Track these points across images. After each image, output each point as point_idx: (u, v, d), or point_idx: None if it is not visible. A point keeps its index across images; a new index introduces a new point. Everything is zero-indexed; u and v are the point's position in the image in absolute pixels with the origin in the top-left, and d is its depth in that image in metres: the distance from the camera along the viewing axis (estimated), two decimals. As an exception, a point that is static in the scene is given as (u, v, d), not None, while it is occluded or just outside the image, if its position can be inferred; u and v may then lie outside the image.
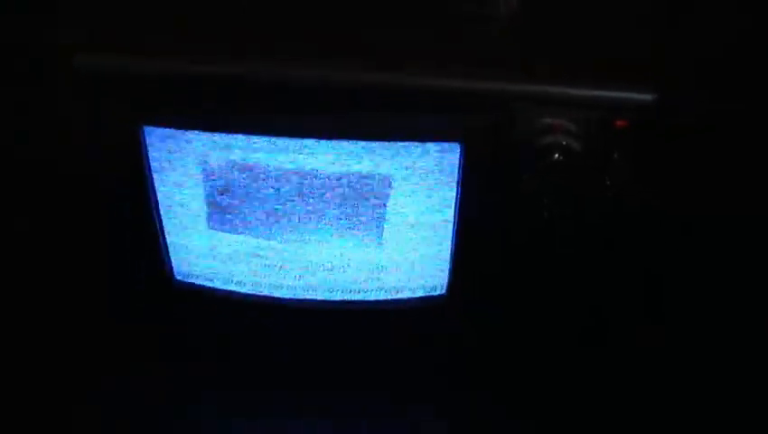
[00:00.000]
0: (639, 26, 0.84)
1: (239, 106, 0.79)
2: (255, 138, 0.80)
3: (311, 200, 0.84)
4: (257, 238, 0.88)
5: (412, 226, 0.86)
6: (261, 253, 0.89)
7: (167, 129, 0.81)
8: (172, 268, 0.91)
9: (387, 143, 0.79)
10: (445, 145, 0.79)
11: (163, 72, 0.78)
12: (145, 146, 0.82)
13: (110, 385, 0.93)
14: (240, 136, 0.80)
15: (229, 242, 0.88)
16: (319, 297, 0.91)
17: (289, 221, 0.86)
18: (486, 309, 0.94)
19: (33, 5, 0.90)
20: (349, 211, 0.85)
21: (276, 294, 0.91)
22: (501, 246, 0.86)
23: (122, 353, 0.96)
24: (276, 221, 0.86)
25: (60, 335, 0.97)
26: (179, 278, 0.92)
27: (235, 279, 0.91)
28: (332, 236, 0.87)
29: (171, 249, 0.90)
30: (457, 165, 0.80)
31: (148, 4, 0.84)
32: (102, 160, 0.85)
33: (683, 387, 0.92)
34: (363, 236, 0.86)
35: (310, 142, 0.79)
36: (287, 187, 0.83)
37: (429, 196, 0.83)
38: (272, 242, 0.88)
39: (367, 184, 0.83)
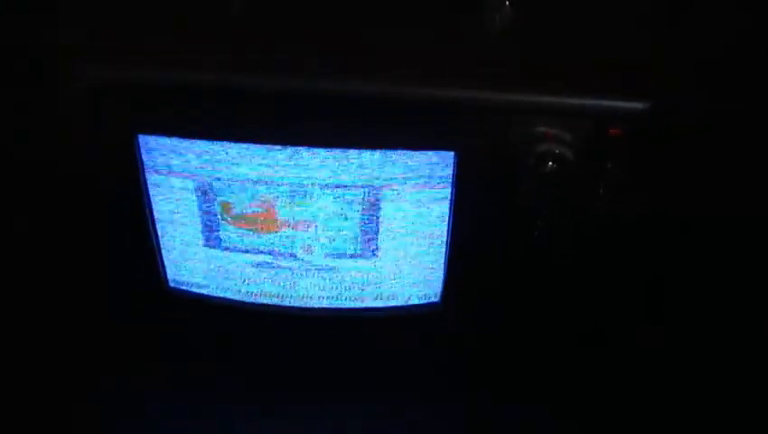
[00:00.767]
0: (639, 27, 0.84)
1: (234, 115, 0.79)
2: (248, 147, 0.80)
3: (304, 209, 0.84)
4: (250, 247, 0.88)
5: (406, 234, 0.86)
6: (254, 262, 0.89)
7: (161, 138, 0.80)
8: (166, 275, 0.91)
9: (381, 151, 0.79)
10: (440, 153, 0.79)
11: (159, 81, 0.78)
12: (140, 155, 0.82)
13: (110, 385, 0.93)
14: (234, 145, 0.80)
15: (222, 252, 0.88)
16: (313, 305, 0.91)
17: (283, 231, 0.86)
18: (480, 317, 0.94)
19: (33, 5, 0.90)
20: (343, 219, 0.84)
21: (272, 301, 0.91)
22: (495, 254, 0.86)
23: (122, 354, 0.96)
24: (269, 232, 0.86)
25: (60, 336, 0.97)
26: (173, 285, 0.92)
27: (229, 288, 0.91)
28: (326, 245, 0.87)
29: (165, 256, 0.90)
30: (451, 174, 0.80)
31: (148, 5, 0.84)
32: (99, 166, 0.84)
33: (683, 387, 0.92)
34: (358, 245, 0.86)
35: (304, 151, 0.79)
36: (280, 196, 0.83)
37: (423, 205, 0.83)
38: (266, 251, 0.88)
39: (361, 193, 0.82)
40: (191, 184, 0.83)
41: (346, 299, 0.91)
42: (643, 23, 0.85)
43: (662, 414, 0.91)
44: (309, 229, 0.85)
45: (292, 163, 0.80)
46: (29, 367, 0.94)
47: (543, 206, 0.82)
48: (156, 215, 0.86)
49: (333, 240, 0.86)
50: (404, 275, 0.89)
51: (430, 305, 0.91)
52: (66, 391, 0.92)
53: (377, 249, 0.87)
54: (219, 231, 0.86)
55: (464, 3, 0.81)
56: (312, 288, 0.90)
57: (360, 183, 0.82)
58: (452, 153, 0.79)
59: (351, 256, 0.87)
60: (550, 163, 0.77)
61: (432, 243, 0.86)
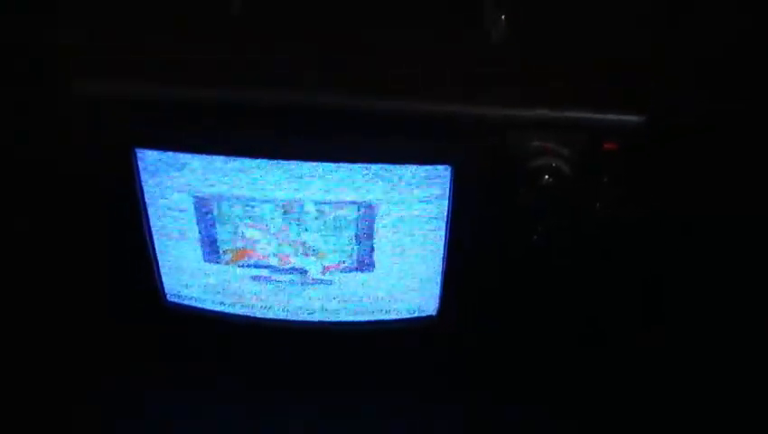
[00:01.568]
0: (636, 34, 0.84)
1: (230, 129, 0.79)
2: (244, 162, 0.80)
3: (301, 223, 0.84)
4: (247, 261, 0.88)
5: (402, 249, 0.86)
6: (253, 276, 0.89)
7: (158, 152, 0.80)
8: (164, 288, 0.91)
9: (378, 166, 0.79)
10: (436, 168, 0.80)
11: (157, 96, 0.78)
12: (137, 168, 0.82)
13: (110, 385, 0.93)
14: (231, 159, 0.80)
15: (220, 267, 0.88)
16: (310, 319, 0.91)
17: (279, 245, 0.86)
18: (476, 329, 0.94)
19: (33, 5, 0.90)
20: (339, 233, 0.84)
21: (270, 315, 0.92)
22: (491, 267, 0.87)
23: (122, 354, 0.96)
24: (266, 247, 0.86)
25: (61, 336, 0.97)
26: (171, 298, 0.92)
27: (227, 302, 0.91)
28: (321, 258, 0.87)
29: (162, 270, 0.90)
30: (448, 188, 0.80)
31: (148, 5, 0.84)
32: (98, 178, 0.84)
33: (683, 387, 0.92)
34: (354, 260, 0.86)
35: (300, 165, 0.79)
36: (276, 211, 0.83)
37: (420, 219, 0.83)
38: (263, 265, 0.88)
39: (357, 207, 0.82)
40: (187, 199, 0.83)
41: (344, 313, 0.91)
42: (642, 26, 0.85)
43: (662, 414, 0.91)
44: (306, 242, 0.85)
45: (288, 177, 0.80)
46: (29, 367, 0.94)
47: (539, 219, 0.82)
48: (154, 229, 0.86)
49: (330, 254, 0.86)
50: (400, 289, 0.89)
51: (426, 318, 0.91)
52: (66, 391, 0.92)
53: (373, 263, 0.87)
54: (217, 245, 0.86)
55: (461, 19, 0.81)
56: (309, 302, 0.90)
57: (356, 198, 0.81)
58: (448, 167, 0.79)
59: (348, 270, 0.87)
60: (546, 176, 0.77)
61: (428, 257, 0.86)
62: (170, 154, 0.80)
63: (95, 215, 0.91)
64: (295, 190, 0.81)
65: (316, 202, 0.82)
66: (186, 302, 0.91)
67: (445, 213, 0.82)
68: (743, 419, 0.89)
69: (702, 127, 0.88)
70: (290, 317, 0.91)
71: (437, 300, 0.89)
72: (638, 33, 0.85)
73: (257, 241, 0.86)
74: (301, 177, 0.80)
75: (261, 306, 0.91)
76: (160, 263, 0.89)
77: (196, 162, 0.80)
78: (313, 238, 0.85)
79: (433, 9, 0.83)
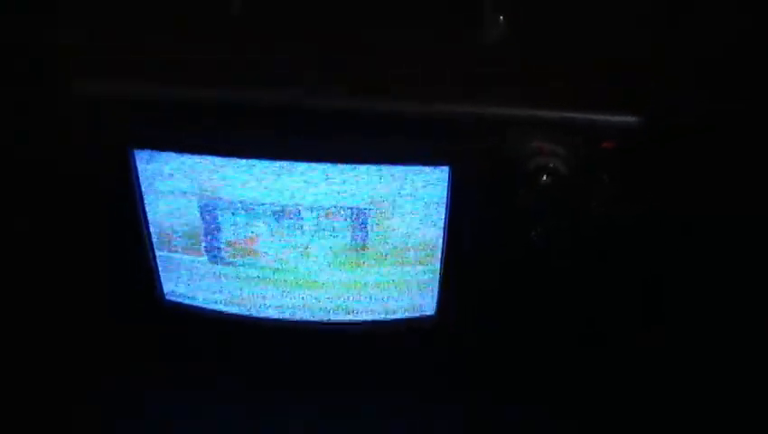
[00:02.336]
0: (635, 34, 0.84)
1: (230, 129, 0.79)
2: (241, 162, 0.80)
3: (300, 224, 0.84)
4: (246, 261, 0.88)
5: (401, 248, 0.86)
6: (250, 276, 0.89)
7: (157, 152, 0.80)
8: (162, 288, 0.91)
9: (376, 166, 0.79)
10: (434, 168, 0.80)
11: (155, 96, 0.78)
12: (135, 168, 0.82)
13: (110, 385, 0.93)
14: (230, 160, 0.80)
15: (217, 268, 0.88)
16: (307, 318, 0.92)
17: (278, 245, 0.86)
18: (475, 328, 0.94)
19: (33, 5, 0.90)
20: (338, 234, 0.84)
21: (268, 315, 0.92)
22: (490, 266, 0.87)
23: (122, 353, 0.96)
24: (265, 247, 0.86)
25: (61, 336, 0.97)
26: (169, 298, 0.92)
27: (225, 301, 0.91)
28: (320, 258, 0.87)
29: (161, 270, 0.90)
30: (446, 188, 0.81)
31: (148, 4, 0.84)
32: (97, 178, 0.84)
33: (683, 388, 0.92)
34: (352, 258, 0.86)
35: (299, 165, 0.79)
36: (275, 212, 0.83)
37: (418, 219, 0.83)
38: (260, 265, 0.88)
39: (356, 208, 0.82)
40: (186, 199, 0.83)
41: (343, 313, 0.91)
42: (641, 26, 0.85)
43: (662, 414, 0.91)
44: (304, 242, 0.85)
45: (287, 178, 0.80)
46: (29, 367, 0.94)
47: (538, 219, 0.82)
48: (153, 229, 0.86)
49: (329, 254, 0.86)
50: (400, 289, 0.89)
51: (426, 318, 0.91)
52: (66, 391, 0.92)
53: (372, 263, 0.86)
54: (216, 245, 0.86)
55: (460, 19, 0.81)
56: (309, 302, 0.90)
57: (354, 198, 0.81)
58: (447, 167, 0.79)
59: (347, 270, 0.87)
60: (545, 176, 0.77)
61: (427, 256, 0.86)
62: (169, 154, 0.80)
63: (94, 215, 0.91)
64: (294, 190, 0.81)
65: (315, 202, 0.82)
66: (185, 301, 0.91)
67: (444, 213, 0.82)
68: (743, 419, 0.89)
69: (701, 126, 0.88)
70: (289, 317, 0.91)
71: (436, 300, 0.89)
72: (637, 33, 0.85)
73: (255, 242, 0.86)
74: (300, 178, 0.80)
75: (260, 306, 0.91)
76: (159, 263, 0.89)
77: (195, 162, 0.80)
78: (312, 238, 0.85)
79: (432, 9, 0.83)
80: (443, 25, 0.82)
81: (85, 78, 0.78)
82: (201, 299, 0.91)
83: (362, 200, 0.82)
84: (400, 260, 0.87)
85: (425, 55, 0.79)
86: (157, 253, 0.88)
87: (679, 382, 0.93)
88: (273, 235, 0.85)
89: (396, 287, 0.89)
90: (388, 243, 0.85)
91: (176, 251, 0.88)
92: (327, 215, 0.83)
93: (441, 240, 0.84)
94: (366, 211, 0.83)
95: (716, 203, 0.92)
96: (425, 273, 0.88)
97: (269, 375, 0.95)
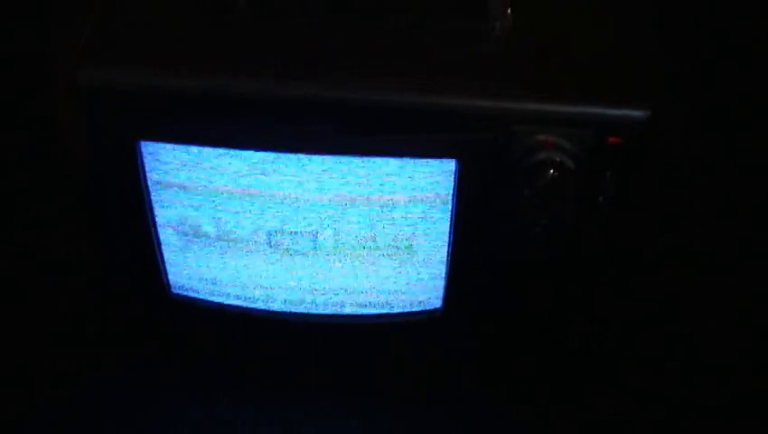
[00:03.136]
0: (640, 32, 0.84)
1: (234, 121, 0.79)
2: (246, 153, 0.80)
3: (305, 217, 0.84)
4: (253, 255, 0.88)
5: (406, 242, 0.86)
6: (257, 269, 0.89)
7: (163, 144, 0.80)
8: (168, 281, 0.91)
9: (381, 159, 0.79)
10: (441, 161, 0.80)
11: (161, 86, 0.78)
12: (142, 161, 0.81)
13: (110, 385, 0.93)
14: (234, 152, 0.79)
15: (225, 260, 0.89)
16: (312, 311, 0.91)
17: (285, 239, 0.86)
18: (481, 321, 0.94)
19: (33, 12, 0.90)
20: (344, 227, 0.85)
21: (273, 307, 0.91)
22: (496, 261, 0.87)
23: (122, 353, 0.96)
24: (271, 240, 0.86)
25: (60, 336, 0.97)
26: (175, 291, 0.92)
27: (232, 294, 0.91)
28: (327, 251, 0.87)
29: (167, 263, 0.89)
30: (453, 182, 0.81)
31: (149, 14, 0.84)
32: (100, 171, 0.84)
33: (682, 388, 0.92)
34: (358, 252, 0.86)
35: (305, 157, 0.79)
36: (280, 205, 0.83)
37: (424, 212, 0.83)
38: (268, 259, 0.88)
39: (362, 201, 0.82)
40: (192, 191, 0.83)
41: (349, 306, 0.91)
42: (646, 28, 0.85)
43: (662, 414, 0.91)
44: (310, 236, 0.85)
45: (294, 171, 0.80)
46: (29, 367, 0.94)
47: (544, 214, 0.82)
48: (158, 222, 0.86)
49: (335, 247, 0.86)
50: (405, 282, 0.89)
51: (431, 311, 0.91)
52: (66, 391, 0.92)
53: (378, 255, 0.87)
54: (225, 238, 0.86)
55: (465, 10, 0.81)
56: (312, 296, 0.90)
57: (360, 191, 0.81)
58: (454, 160, 0.79)
59: (353, 263, 0.87)
60: (551, 171, 0.77)
61: (433, 249, 0.86)
62: (175, 145, 0.80)
63: (99, 208, 0.91)
64: (301, 182, 0.81)
65: (321, 195, 0.82)
66: (192, 294, 0.91)
67: (450, 207, 0.82)
68: (743, 419, 0.90)
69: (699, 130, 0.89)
70: (294, 310, 0.91)
71: (442, 294, 0.89)
72: (645, 28, 0.85)
73: (261, 233, 0.86)
74: (306, 170, 0.80)
75: (266, 298, 0.91)
76: (165, 257, 0.89)
77: (201, 154, 0.80)
78: (318, 231, 0.85)
79: (439, 2, 0.83)
80: (449, 18, 0.82)
81: (89, 68, 0.77)
82: (207, 292, 0.91)
83: (369, 193, 0.82)
84: (407, 253, 0.87)
85: (431, 48, 0.79)
86: (163, 247, 0.88)
87: (679, 382, 0.93)
88: (280, 227, 0.85)
89: (402, 280, 0.89)
90: (394, 236, 0.85)
91: (181, 245, 0.88)
92: (332, 209, 0.83)
93: (447, 234, 0.84)
94: (372, 203, 0.82)
95: (716, 203, 0.92)
96: (431, 266, 0.88)
97: (271, 371, 0.95)
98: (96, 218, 0.91)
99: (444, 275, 0.88)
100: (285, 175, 0.81)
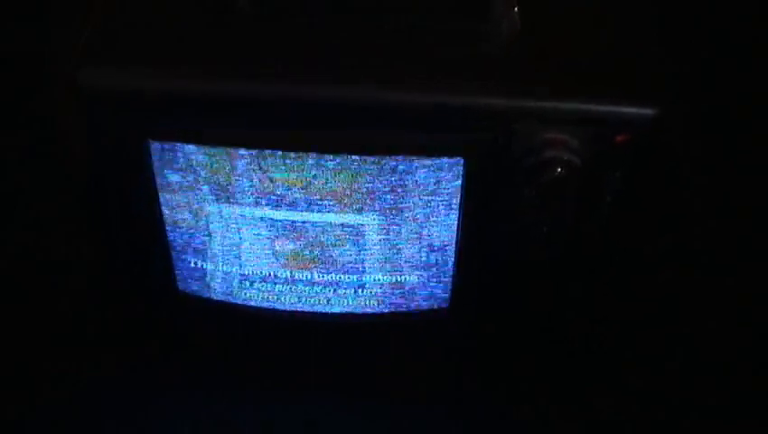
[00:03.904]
0: (646, 30, 0.84)
1: (240, 122, 0.79)
2: (253, 153, 0.79)
3: (312, 215, 0.84)
4: (259, 254, 0.88)
5: (415, 240, 0.86)
6: (262, 268, 0.89)
7: (172, 144, 0.80)
8: (175, 278, 0.91)
9: (388, 158, 0.79)
10: (448, 160, 0.79)
11: (164, 87, 0.78)
12: (150, 162, 0.81)
13: (110, 385, 0.93)
14: (241, 152, 0.79)
15: (231, 258, 0.88)
16: (318, 310, 0.91)
17: (291, 237, 0.86)
18: (487, 320, 0.94)
19: (33, 12, 0.90)
20: (352, 225, 0.84)
21: (281, 307, 0.91)
22: (503, 259, 0.86)
23: (122, 353, 0.96)
24: (278, 239, 0.86)
25: (60, 336, 0.97)
26: (182, 288, 0.92)
27: (236, 292, 0.91)
28: (334, 249, 0.87)
29: (175, 261, 0.89)
30: (460, 181, 0.80)
31: (149, 14, 0.84)
32: (106, 172, 0.84)
33: (683, 388, 0.92)
34: (366, 248, 0.86)
35: (312, 157, 0.79)
36: (289, 203, 0.83)
37: (432, 211, 0.83)
38: (274, 257, 0.88)
39: (370, 199, 0.82)
40: (200, 190, 0.83)
41: (354, 304, 0.91)
42: (656, 20, 0.85)
43: (662, 414, 0.91)
44: (316, 234, 0.85)
45: (301, 169, 0.80)
46: (29, 367, 0.94)
47: (549, 213, 0.82)
48: (166, 219, 0.86)
49: (342, 245, 0.86)
50: (413, 280, 0.89)
51: (438, 310, 0.91)
52: (66, 391, 0.92)
53: (385, 254, 0.87)
54: (233, 237, 0.86)
55: (471, 9, 0.81)
56: (314, 296, 0.90)
57: (367, 189, 0.81)
58: (461, 159, 0.79)
59: (361, 260, 0.87)
60: (558, 169, 0.77)
61: (441, 248, 0.86)
62: (184, 146, 0.80)
63: (99, 208, 0.91)
64: (308, 182, 0.81)
65: (328, 194, 0.82)
66: (198, 293, 0.91)
67: (457, 206, 0.82)
68: (743, 419, 0.90)
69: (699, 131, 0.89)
70: (300, 309, 0.91)
71: (449, 293, 0.89)
72: (652, 27, 0.85)
73: (269, 235, 0.86)
74: (313, 169, 0.80)
75: (271, 296, 0.91)
76: (173, 255, 0.88)
77: (209, 154, 0.80)
78: (325, 229, 0.85)
79: (443, 1, 0.83)
80: (454, 16, 0.82)
81: (91, 70, 0.77)
82: (212, 290, 0.91)
83: (375, 191, 0.82)
84: (415, 252, 0.87)
85: (437, 48, 0.79)
86: (171, 245, 0.88)
87: (679, 382, 0.93)
88: (286, 229, 0.85)
89: (409, 279, 0.89)
90: (401, 235, 0.85)
91: (189, 244, 0.88)
92: (341, 207, 0.83)
93: (455, 232, 0.84)
94: (380, 202, 0.82)
95: (719, 202, 0.92)
96: (439, 265, 0.88)
97: (270, 376, 0.95)
98: (96, 218, 0.91)
99: (450, 274, 0.88)
100: (291, 174, 0.81)
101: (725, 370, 0.92)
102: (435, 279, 0.89)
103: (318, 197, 0.82)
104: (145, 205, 0.84)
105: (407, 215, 0.83)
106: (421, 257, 0.87)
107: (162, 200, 0.84)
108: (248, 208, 0.84)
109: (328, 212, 0.83)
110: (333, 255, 0.87)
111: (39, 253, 0.97)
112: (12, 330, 0.95)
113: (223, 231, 0.86)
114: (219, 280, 0.91)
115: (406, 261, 0.87)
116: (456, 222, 0.84)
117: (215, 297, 0.92)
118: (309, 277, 0.89)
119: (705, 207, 0.93)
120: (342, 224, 0.84)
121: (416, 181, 0.81)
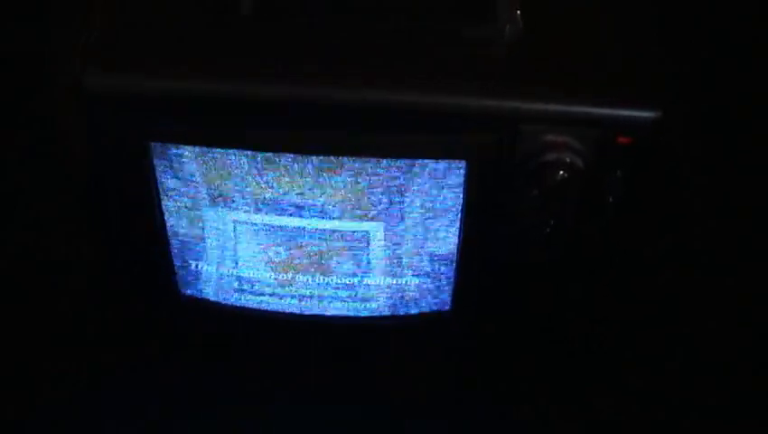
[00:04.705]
0: (648, 33, 0.84)
1: (241, 123, 0.79)
2: (256, 155, 0.79)
3: (312, 217, 0.84)
4: (261, 254, 0.88)
5: (417, 242, 0.86)
6: (264, 269, 0.89)
7: (172, 145, 0.80)
8: (175, 279, 0.91)
9: (390, 161, 0.79)
10: (450, 162, 0.79)
11: (171, 87, 0.78)
12: (151, 162, 0.81)
13: (110, 385, 0.93)
14: (242, 153, 0.79)
15: (232, 259, 0.88)
16: (319, 312, 0.91)
17: (293, 238, 0.86)
18: (488, 323, 0.94)
19: (33, 12, 0.90)
20: (354, 227, 0.84)
21: (281, 309, 0.91)
22: (505, 262, 0.86)
23: (122, 353, 0.96)
24: (279, 239, 0.86)
25: (60, 336, 0.97)
26: (182, 288, 0.92)
27: (241, 297, 0.91)
28: (335, 250, 0.87)
29: (175, 262, 0.89)
30: (462, 183, 0.80)
31: (149, 15, 0.84)
32: (107, 174, 0.84)
33: (683, 389, 0.92)
34: (366, 250, 0.86)
35: (314, 159, 0.79)
36: (289, 205, 0.83)
37: (433, 213, 0.83)
38: (276, 258, 0.88)
39: (372, 201, 0.82)
40: (201, 193, 0.83)
41: (357, 307, 0.91)
42: (651, 27, 0.85)
43: (662, 414, 0.91)
44: (318, 236, 0.85)
45: (302, 171, 0.80)
46: (29, 367, 0.94)
47: (551, 215, 0.82)
48: (167, 222, 0.86)
49: (343, 246, 0.86)
50: (415, 282, 0.89)
51: (439, 311, 0.91)
52: (66, 391, 0.92)
53: (387, 256, 0.86)
54: (233, 239, 0.86)
55: (475, 12, 0.81)
56: (321, 294, 0.90)
57: (369, 192, 0.81)
58: (463, 161, 0.79)
59: (363, 262, 0.87)
60: (560, 171, 0.77)
61: (443, 250, 0.86)
62: (185, 147, 0.80)
63: (99, 208, 0.91)
64: (310, 184, 0.81)
65: (330, 196, 0.82)
66: (201, 295, 0.91)
67: (459, 208, 0.82)
68: (743, 419, 0.90)
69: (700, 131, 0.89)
70: (300, 311, 0.91)
71: (451, 295, 0.89)
72: (652, 27, 0.85)
73: (268, 239, 0.86)
74: (315, 171, 0.80)
75: (273, 297, 0.91)
76: (175, 258, 0.89)
77: (211, 156, 0.80)
78: (326, 231, 0.85)
79: (447, 3, 0.83)
80: (457, 18, 0.82)
81: (96, 73, 0.77)
82: (214, 292, 0.91)
83: (376, 194, 0.81)
84: (416, 254, 0.87)
85: (437, 48, 0.79)
86: (173, 248, 0.88)
87: (679, 383, 0.93)
88: (287, 227, 0.85)
89: (411, 281, 0.89)
90: (403, 237, 0.85)
91: (192, 247, 0.88)
92: (342, 210, 0.83)
93: (457, 235, 0.84)
94: (381, 205, 0.82)
95: (721, 202, 0.92)
96: (441, 267, 0.88)
97: (271, 377, 0.95)
98: (96, 218, 0.91)
99: (451, 276, 0.88)
100: (293, 177, 0.81)
101: (725, 370, 0.92)
102: (436, 281, 0.89)
103: (319, 199, 0.82)
104: (145, 206, 0.84)
105: (408, 217, 0.83)
106: (422, 259, 0.87)
107: (162, 200, 0.84)
108: (247, 212, 0.84)
109: (329, 214, 0.83)
110: (334, 258, 0.87)
111: (39, 253, 0.97)
112: (12, 330, 0.95)
113: (221, 234, 0.86)
114: (218, 282, 0.91)
115: (407, 263, 0.87)
116: (458, 225, 0.84)
117: (215, 299, 0.92)
118: (309, 280, 0.89)
119: (705, 207, 0.93)
120: (343, 227, 0.84)
121: (418, 183, 0.81)
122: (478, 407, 0.93)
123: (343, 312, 0.91)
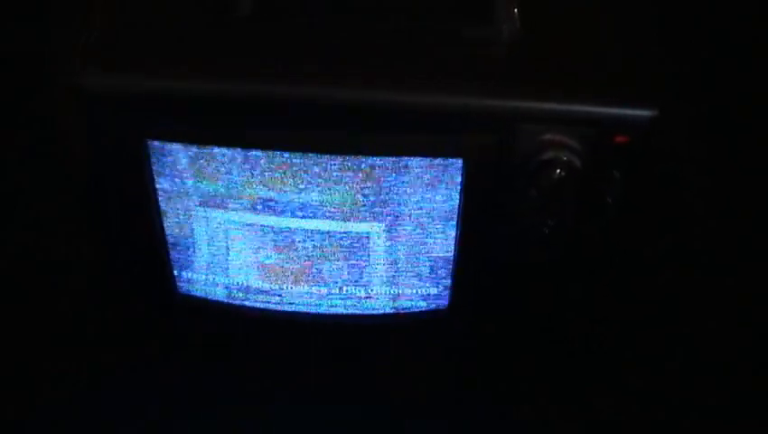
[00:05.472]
0: (646, 33, 0.84)
1: (240, 122, 0.79)
2: (253, 153, 0.79)
3: (311, 217, 0.84)
4: (259, 254, 0.88)
5: (414, 241, 0.86)
6: (262, 268, 0.89)
7: (171, 145, 0.80)
8: (175, 281, 0.91)
9: (388, 159, 0.79)
10: (447, 161, 0.79)
11: (166, 88, 0.78)
12: (149, 162, 0.81)
13: (110, 385, 0.93)
14: (240, 152, 0.79)
15: (230, 259, 0.88)
16: (318, 311, 0.91)
17: (291, 238, 0.86)
18: (485, 321, 0.94)
19: (33, 12, 0.90)
20: (351, 226, 0.84)
21: (279, 307, 0.91)
22: (502, 260, 0.87)
23: (122, 353, 0.96)
24: (278, 239, 0.86)
25: (60, 336, 0.97)
26: (181, 288, 0.92)
27: (237, 292, 0.91)
28: (333, 250, 0.87)
29: (174, 263, 0.89)
30: (459, 181, 0.80)
31: (149, 15, 0.84)
32: (105, 173, 0.84)
33: (683, 389, 0.92)
34: (365, 250, 0.86)
35: (311, 158, 0.79)
36: (287, 203, 0.83)
37: (430, 211, 0.83)
38: (274, 258, 0.88)
39: (369, 200, 0.82)
40: (197, 190, 0.83)
41: (352, 306, 0.91)
42: (655, 20, 0.85)
43: (662, 414, 0.91)
44: (316, 234, 0.85)
45: (299, 170, 0.80)
46: (29, 367, 0.94)
47: (550, 213, 0.82)
48: (165, 220, 0.86)
49: (341, 246, 0.86)
50: (412, 281, 0.89)
51: (438, 311, 0.91)
52: (66, 391, 0.92)
53: (384, 255, 0.87)
54: (229, 237, 0.86)
55: (473, 12, 0.81)
56: (320, 294, 0.90)
57: (366, 190, 0.81)
58: (460, 160, 0.79)
59: (360, 262, 0.87)
60: (558, 171, 0.77)
61: (440, 249, 0.86)
62: (183, 146, 0.80)
63: (99, 208, 0.91)
64: (307, 183, 0.81)
65: (327, 195, 0.82)
66: (198, 294, 0.91)
67: (456, 207, 0.82)
68: (743, 419, 0.90)
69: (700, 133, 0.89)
70: (298, 310, 0.91)
71: (448, 293, 0.89)
72: (652, 27, 0.85)
73: (266, 234, 0.86)
74: (312, 170, 0.80)
75: (271, 297, 0.91)
76: (172, 257, 0.88)
77: (208, 154, 0.80)
78: (323, 230, 0.85)
79: (444, 2, 0.83)
80: (455, 18, 0.82)
81: (95, 72, 0.77)
82: (213, 291, 0.91)
83: (375, 193, 0.81)
84: (413, 253, 0.87)
85: (436, 48, 0.79)
86: (170, 246, 0.88)
87: (679, 383, 0.93)
88: (286, 226, 0.85)
89: (409, 280, 0.89)
90: (401, 236, 0.85)
91: (189, 245, 0.88)
92: (339, 208, 0.83)
93: (454, 234, 0.84)
94: (379, 203, 0.82)
95: (716, 204, 0.92)
96: (438, 266, 0.88)
97: (271, 377, 0.95)
98: (96, 218, 0.91)
99: (450, 276, 0.88)
100: (290, 175, 0.81)
101: (725, 370, 0.92)
102: (435, 281, 0.89)
103: (319, 199, 0.82)
104: (144, 206, 0.84)
105: (406, 216, 0.83)
106: (420, 259, 0.87)
107: (161, 200, 0.84)
108: (244, 213, 0.84)
109: (328, 213, 0.83)
110: (332, 258, 0.87)
111: (39, 253, 0.97)
112: (12, 330, 0.95)
113: (220, 234, 0.86)
114: (217, 282, 0.91)
115: (406, 263, 0.87)
116: (456, 224, 0.84)
117: (215, 299, 0.92)
118: (308, 280, 0.89)
119: (705, 208, 0.93)
120: (343, 228, 0.84)
121: (417, 183, 0.81)
122: (478, 407, 0.93)
123: (343, 312, 0.91)
